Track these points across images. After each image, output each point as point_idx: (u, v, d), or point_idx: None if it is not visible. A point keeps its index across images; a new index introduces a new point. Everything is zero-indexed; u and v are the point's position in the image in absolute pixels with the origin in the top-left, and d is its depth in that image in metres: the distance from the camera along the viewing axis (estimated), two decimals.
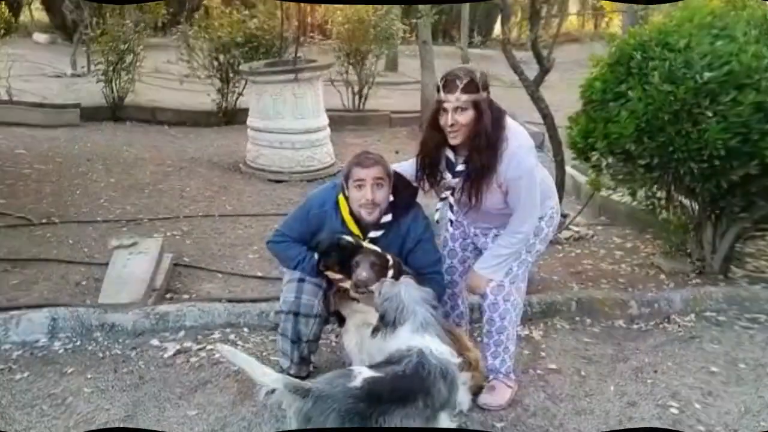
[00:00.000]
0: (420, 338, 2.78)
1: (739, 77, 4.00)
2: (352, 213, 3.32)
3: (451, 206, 3.40)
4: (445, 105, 3.07)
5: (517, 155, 3.11)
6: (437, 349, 2.77)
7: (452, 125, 3.07)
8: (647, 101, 4.17)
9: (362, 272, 3.12)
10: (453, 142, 3.13)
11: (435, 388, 2.70)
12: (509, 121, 3.20)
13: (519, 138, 3.15)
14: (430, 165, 3.28)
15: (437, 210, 3.39)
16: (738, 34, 4.14)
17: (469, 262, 3.58)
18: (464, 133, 3.10)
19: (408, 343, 2.77)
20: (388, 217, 3.31)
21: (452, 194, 3.32)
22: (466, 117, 3.06)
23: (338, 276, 3.27)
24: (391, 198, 3.31)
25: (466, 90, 3.03)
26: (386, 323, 2.88)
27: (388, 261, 3.18)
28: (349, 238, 3.26)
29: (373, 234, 3.31)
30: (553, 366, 3.80)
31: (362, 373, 2.65)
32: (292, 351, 3.43)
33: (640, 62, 4.30)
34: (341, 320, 3.45)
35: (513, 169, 3.10)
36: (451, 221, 3.47)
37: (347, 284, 3.23)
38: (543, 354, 3.94)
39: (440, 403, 2.74)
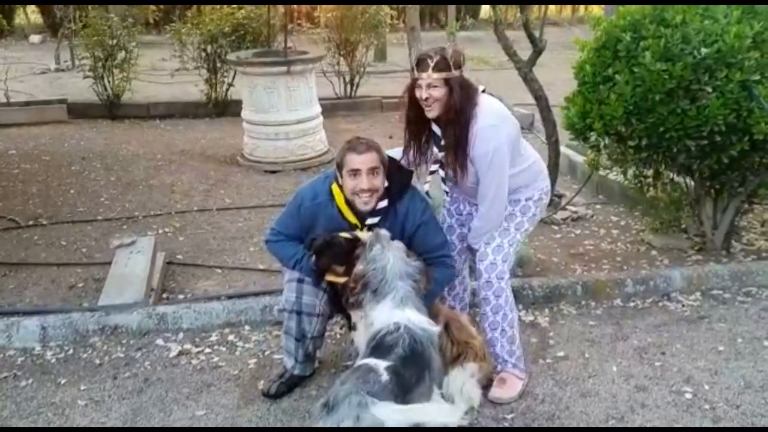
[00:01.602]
0: (401, 312, 2.88)
1: (726, 57, 4.04)
2: (347, 201, 3.25)
3: (443, 179, 3.50)
4: (419, 82, 3.20)
5: (483, 132, 3.19)
6: (417, 319, 2.89)
7: (426, 99, 3.20)
8: (635, 84, 4.18)
9: (360, 265, 3.06)
10: (429, 115, 3.26)
11: (433, 360, 2.86)
12: (483, 99, 3.27)
13: (488, 117, 3.22)
14: (415, 138, 3.41)
15: (426, 183, 3.47)
16: (719, 16, 4.15)
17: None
18: (439, 107, 3.22)
19: (391, 319, 2.85)
20: (384, 203, 3.25)
21: (441, 168, 3.42)
22: (439, 92, 3.18)
23: (341, 279, 3.16)
24: (386, 183, 3.25)
25: (437, 68, 3.16)
26: (368, 289, 2.97)
27: None
28: (344, 235, 3.18)
29: (370, 221, 3.25)
30: (561, 354, 3.77)
31: (378, 364, 2.67)
32: (297, 349, 3.40)
33: (629, 44, 4.28)
34: (350, 322, 3.37)
35: (478, 146, 3.20)
36: (446, 192, 3.58)
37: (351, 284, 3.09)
38: (551, 342, 3.90)
39: (437, 370, 2.91)
